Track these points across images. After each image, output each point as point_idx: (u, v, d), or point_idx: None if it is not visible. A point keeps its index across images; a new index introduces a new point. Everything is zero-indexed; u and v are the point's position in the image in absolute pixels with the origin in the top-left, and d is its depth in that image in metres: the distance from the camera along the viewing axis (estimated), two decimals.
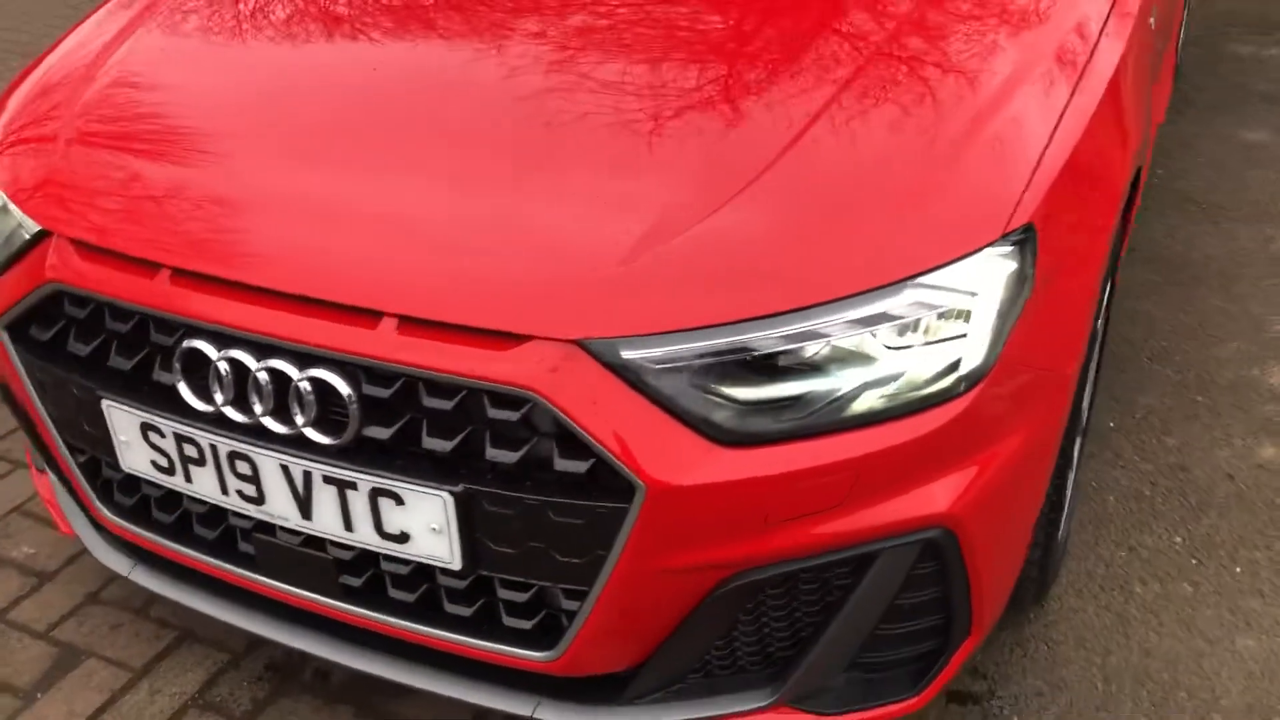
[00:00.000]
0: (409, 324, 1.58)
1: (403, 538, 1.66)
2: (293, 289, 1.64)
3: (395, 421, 1.62)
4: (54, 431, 1.95)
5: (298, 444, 1.67)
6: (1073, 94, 1.85)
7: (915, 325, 1.54)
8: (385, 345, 1.59)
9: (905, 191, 1.62)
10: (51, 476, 2.21)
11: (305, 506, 1.71)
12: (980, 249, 1.58)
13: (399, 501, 1.63)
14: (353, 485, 1.65)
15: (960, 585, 1.67)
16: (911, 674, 1.77)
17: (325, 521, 1.71)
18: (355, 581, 1.78)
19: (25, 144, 2.03)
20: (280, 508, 1.73)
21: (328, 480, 1.66)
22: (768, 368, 1.53)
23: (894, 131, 1.72)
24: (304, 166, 1.82)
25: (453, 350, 1.56)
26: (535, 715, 1.76)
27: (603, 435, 1.50)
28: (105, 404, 1.80)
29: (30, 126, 2.07)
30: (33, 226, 1.88)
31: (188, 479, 1.80)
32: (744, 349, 1.52)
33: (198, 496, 1.81)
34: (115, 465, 1.90)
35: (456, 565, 1.65)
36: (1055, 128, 1.76)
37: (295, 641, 1.90)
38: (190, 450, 1.76)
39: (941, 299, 1.55)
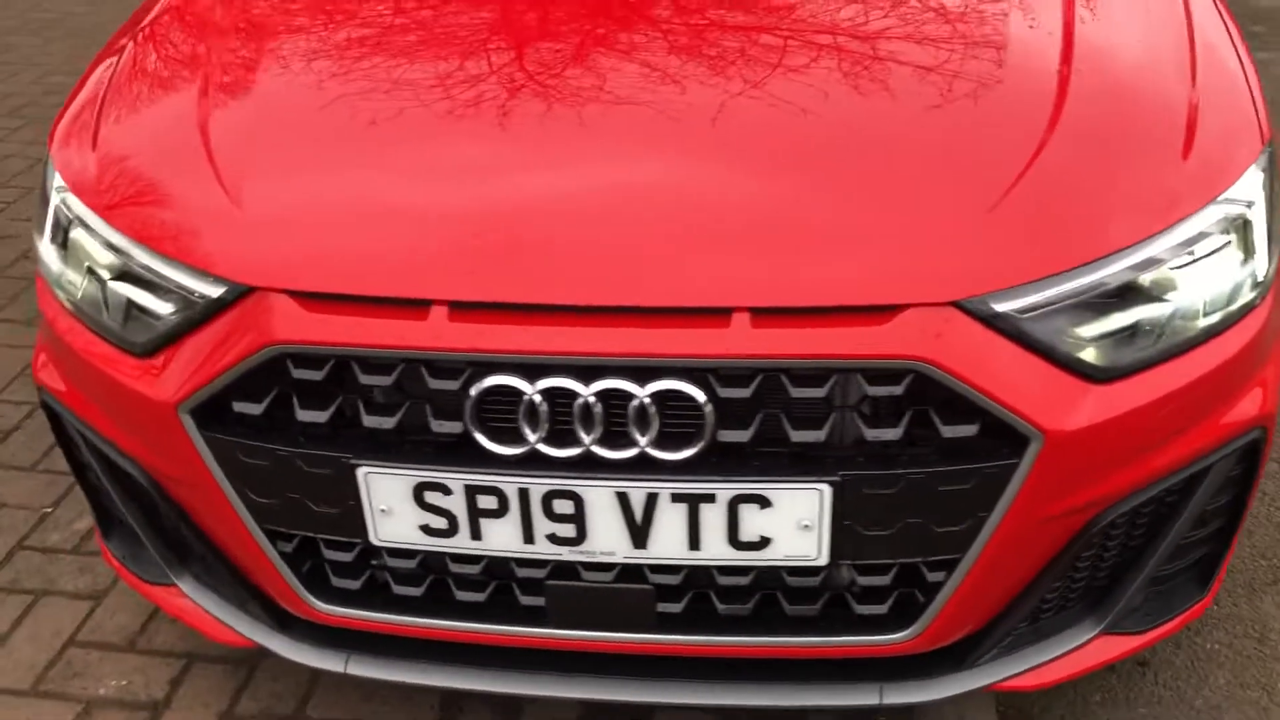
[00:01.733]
0: (764, 315, 1.50)
1: (761, 543, 1.57)
2: (622, 302, 1.51)
3: (752, 421, 1.53)
4: (250, 523, 1.68)
5: (639, 466, 1.53)
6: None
7: (1225, 240, 1.63)
8: (741, 342, 1.49)
9: (1184, 125, 1.72)
10: (187, 585, 1.90)
11: (641, 534, 1.57)
12: (1251, 164, 1.70)
13: (764, 505, 1.54)
14: (709, 498, 1.54)
15: (1253, 481, 1.78)
16: (1197, 578, 1.86)
17: (662, 546, 1.58)
18: (676, 608, 1.66)
19: (167, 193, 1.77)
20: (606, 542, 1.58)
21: (676, 499, 1.54)
22: (1119, 301, 1.57)
23: (1147, 72, 1.83)
24: (560, 164, 1.68)
25: (820, 335, 1.49)
26: (883, 702, 1.71)
27: (996, 391, 1.49)
28: (362, 472, 1.58)
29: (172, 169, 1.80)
30: (215, 289, 1.62)
31: (474, 536, 1.61)
32: (1100, 285, 1.55)
33: (481, 554, 1.63)
34: (346, 544, 1.68)
35: (822, 560, 1.57)
36: (1240, 59, 1.92)
37: (579, 692, 1.75)
38: (488, 502, 1.57)
39: (1236, 212, 1.66)
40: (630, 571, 1.63)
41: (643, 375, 1.51)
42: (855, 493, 1.53)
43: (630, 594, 1.64)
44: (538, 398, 1.51)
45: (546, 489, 1.56)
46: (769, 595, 1.66)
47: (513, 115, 1.76)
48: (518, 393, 1.52)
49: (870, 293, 1.50)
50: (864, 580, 1.64)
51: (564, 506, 1.57)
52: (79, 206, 1.79)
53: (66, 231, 1.81)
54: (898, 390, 1.51)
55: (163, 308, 1.68)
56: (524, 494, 1.56)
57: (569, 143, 1.72)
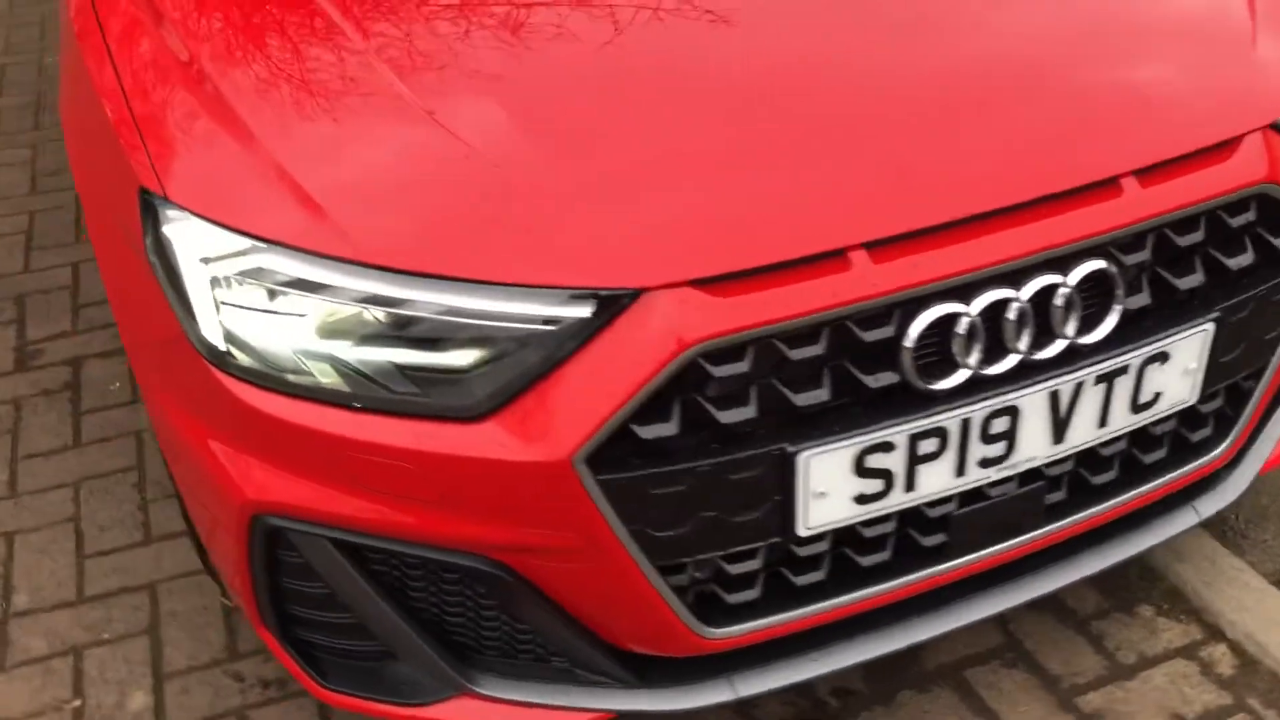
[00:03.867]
0: (1145, 175, 1.51)
1: (1154, 400, 1.59)
2: (1035, 194, 1.44)
3: (1145, 283, 1.54)
4: (643, 565, 1.42)
5: (1068, 359, 1.50)
6: None
7: None
8: (1135, 206, 1.49)
9: None
10: (488, 687, 1.56)
11: (1062, 428, 1.53)
12: None
13: (1163, 360, 1.56)
14: (1122, 370, 1.53)
15: None
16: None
17: (1077, 434, 1.55)
18: (1060, 496, 1.64)
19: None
20: (1030, 448, 1.53)
21: (1100, 380, 1.52)
22: None
23: None
24: (869, 79, 1.59)
25: (1192, 181, 1.53)
26: (1200, 518, 1.80)
27: None
28: (803, 457, 1.39)
29: None
30: (578, 308, 1.34)
31: (909, 487, 1.48)
32: None
33: (906, 506, 1.50)
34: (752, 551, 1.48)
35: (1194, 399, 1.63)
36: None
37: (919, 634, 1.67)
38: (928, 446, 1.45)
39: None
40: (1030, 473, 1.59)
41: (1062, 266, 1.47)
42: (1228, 326, 1.60)
43: (1026, 496, 1.60)
44: (976, 318, 1.42)
45: (986, 412, 1.47)
46: (1126, 455, 1.70)
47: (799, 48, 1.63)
48: (950, 320, 1.42)
49: (1217, 130, 1.56)
50: (1205, 407, 1.72)
51: (1000, 425, 1.49)
52: (304, 264, 1.37)
53: (271, 296, 1.39)
54: (1250, 216, 1.59)
55: (481, 353, 1.35)
56: (965, 425, 1.47)
57: (863, 57, 1.62)
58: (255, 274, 1.40)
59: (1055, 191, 1.46)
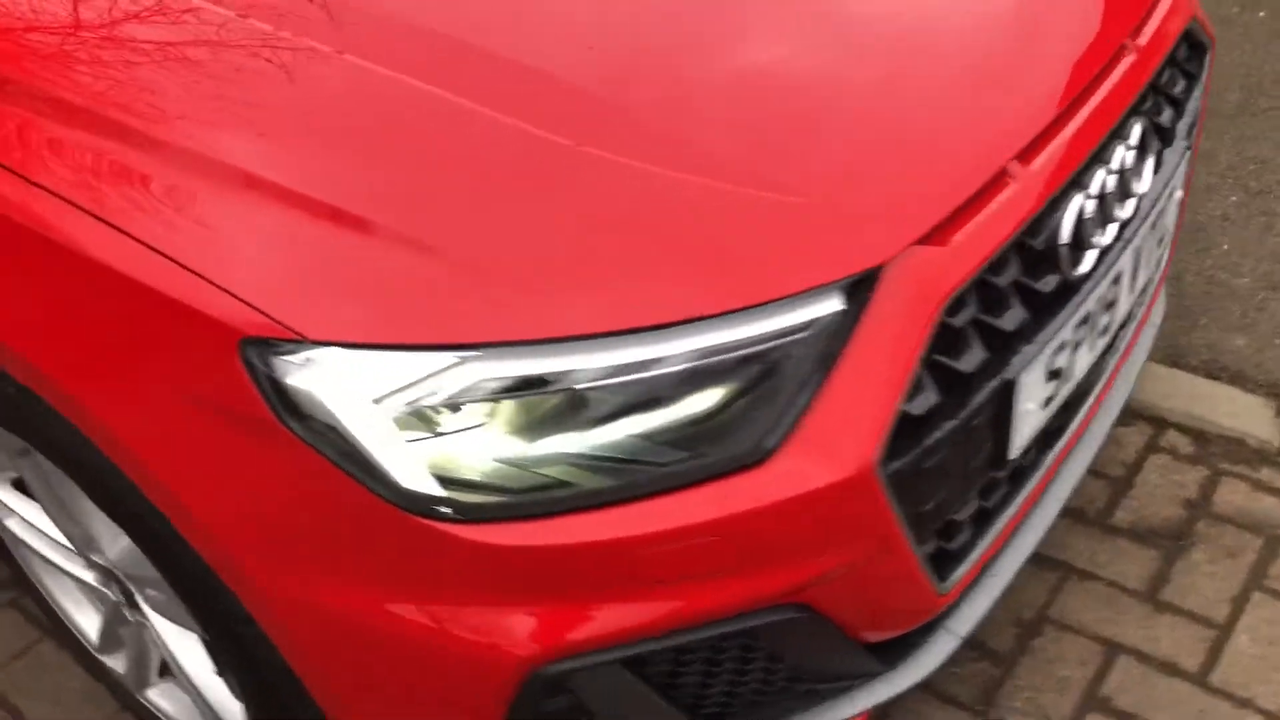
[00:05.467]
0: (1134, 37, 1.62)
1: (1166, 231, 1.74)
2: (1085, 80, 1.51)
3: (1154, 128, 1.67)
4: (914, 546, 1.35)
5: (1136, 214, 1.59)
6: None
7: None
8: (1143, 63, 1.60)
9: None
10: None
11: (1135, 278, 1.64)
12: None
13: (1173, 192, 1.71)
14: (1162, 211, 1.66)
15: None
16: None
17: (1139, 281, 1.67)
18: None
19: None
20: (1122, 307, 1.63)
21: (1153, 225, 1.63)
22: None
23: None
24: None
25: (1157, 35, 1.66)
26: None
27: None
28: (1020, 381, 1.39)
29: None
30: (827, 303, 1.22)
31: (1070, 377, 1.52)
32: None
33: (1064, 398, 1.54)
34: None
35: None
36: None
37: None
38: (1081, 331, 1.50)
39: None
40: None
41: (1124, 131, 1.56)
42: (1190, 150, 1.78)
43: (1102, 356, 1.70)
44: (1095, 196, 1.48)
45: (1108, 282, 1.54)
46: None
47: None
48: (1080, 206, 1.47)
49: None
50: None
51: (1113, 292, 1.57)
52: (531, 358, 1.13)
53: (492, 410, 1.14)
54: (1185, 53, 1.77)
55: (736, 387, 1.19)
56: (1098, 301, 1.52)
57: None
58: (466, 390, 1.14)
59: (1101, 67, 1.54)
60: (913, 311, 1.27)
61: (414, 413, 1.15)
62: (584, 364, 1.16)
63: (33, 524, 1.73)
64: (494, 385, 1.15)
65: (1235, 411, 2.25)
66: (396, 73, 1.31)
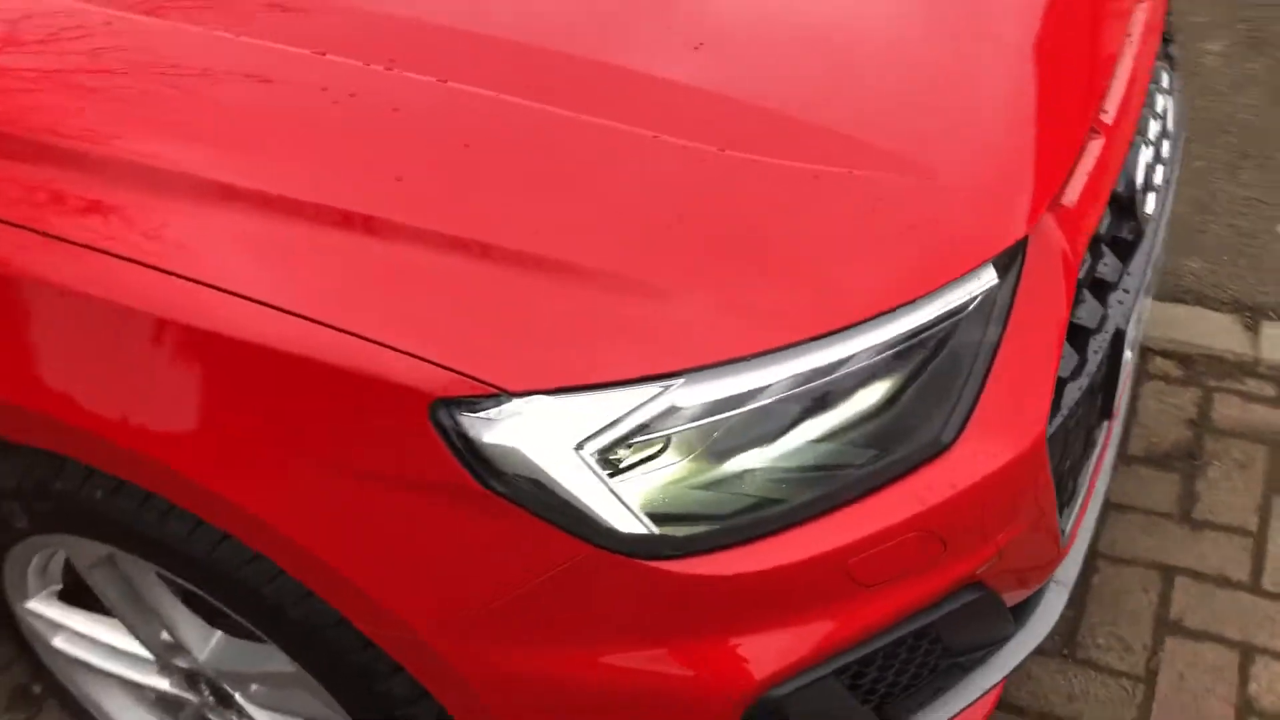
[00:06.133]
0: None
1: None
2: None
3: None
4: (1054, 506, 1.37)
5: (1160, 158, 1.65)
6: None
7: None
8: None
9: None
10: None
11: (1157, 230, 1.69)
12: None
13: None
14: (1175, 145, 1.71)
15: None
16: None
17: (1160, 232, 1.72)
18: None
19: None
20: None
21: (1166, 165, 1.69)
22: None
23: None
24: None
25: None
26: None
27: None
28: (1126, 327, 1.42)
29: None
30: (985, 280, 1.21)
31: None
32: None
33: None
34: None
35: None
36: None
37: None
38: (1148, 276, 1.54)
39: None
40: None
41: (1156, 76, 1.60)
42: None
43: None
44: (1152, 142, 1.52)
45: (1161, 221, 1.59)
46: None
47: None
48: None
49: None
50: None
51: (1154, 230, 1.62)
52: (728, 377, 1.09)
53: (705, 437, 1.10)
54: None
55: (909, 374, 1.18)
56: (1150, 245, 1.57)
57: None
58: (669, 420, 1.09)
59: (1130, 13, 1.59)
60: (1055, 275, 1.28)
61: (617, 452, 1.10)
62: (780, 375, 1.12)
63: (89, 636, 1.58)
64: (695, 411, 1.10)
65: (1209, 331, 2.37)
66: (499, 94, 1.24)
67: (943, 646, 1.41)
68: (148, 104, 1.25)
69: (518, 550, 1.12)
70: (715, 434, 1.12)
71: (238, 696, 1.52)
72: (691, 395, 1.10)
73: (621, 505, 1.10)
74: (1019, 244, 1.25)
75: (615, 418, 1.09)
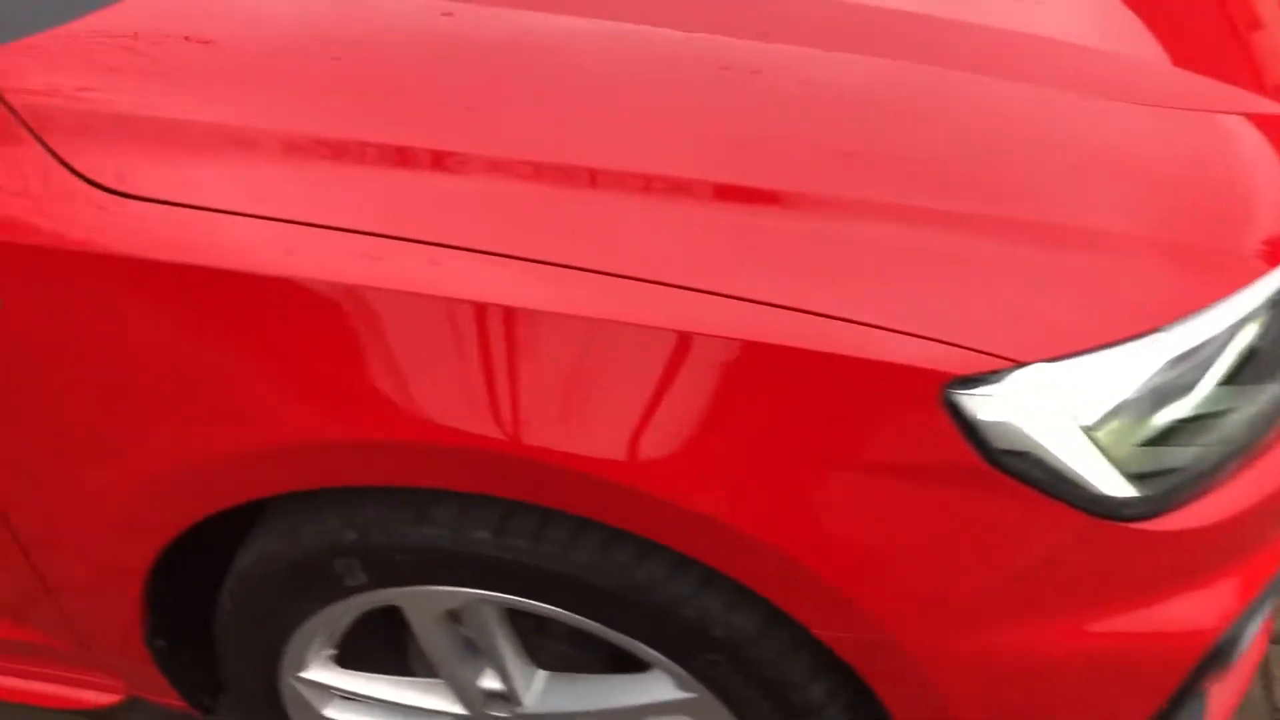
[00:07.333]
0: None
1: None
2: None
3: None
4: None
5: None
6: None
7: None
8: None
9: None
10: None
11: None
12: None
13: None
14: None
15: None
16: None
17: None
18: None
19: None
20: None
21: None
22: None
23: None
24: None
25: None
26: None
27: None
28: None
29: None
30: None
31: None
32: None
33: None
34: None
35: None
36: None
37: None
38: None
39: None
40: None
41: None
42: None
43: None
44: None
45: None
46: None
47: None
48: None
49: None
50: None
51: None
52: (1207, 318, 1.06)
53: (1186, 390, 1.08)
54: None
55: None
56: None
57: None
58: (1152, 375, 1.06)
59: None
60: None
61: (1105, 415, 1.06)
62: (1243, 310, 1.11)
63: (372, 698, 1.44)
64: (1173, 361, 1.08)
65: None
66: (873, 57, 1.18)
67: None
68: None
69: (1018, 528, 1.07)
70: (1181, 382, 1.10)
71: None
72: (1175, 344, 1.08)
73: (1110, 470, 1.07)
74: None
75: (1107, 381, 1.05)
